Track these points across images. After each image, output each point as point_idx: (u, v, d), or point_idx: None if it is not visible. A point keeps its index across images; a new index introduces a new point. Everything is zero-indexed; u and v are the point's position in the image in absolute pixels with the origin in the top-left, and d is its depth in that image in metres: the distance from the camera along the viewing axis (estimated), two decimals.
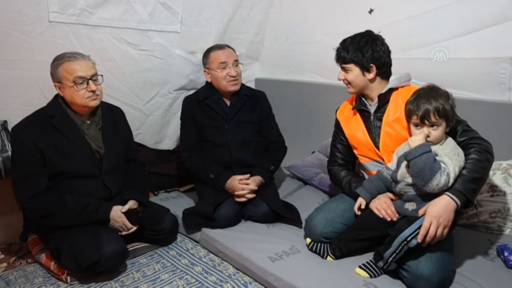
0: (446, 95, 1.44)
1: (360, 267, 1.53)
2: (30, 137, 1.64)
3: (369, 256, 1.58)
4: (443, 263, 1.40)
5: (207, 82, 2.26)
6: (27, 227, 2.01)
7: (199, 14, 2.48)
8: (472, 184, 1.37)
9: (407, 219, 1.45)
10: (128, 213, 1.78)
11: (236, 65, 2.16)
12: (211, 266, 1.79)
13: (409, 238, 1.37)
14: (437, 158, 1.38)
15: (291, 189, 2.39)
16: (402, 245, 1.38)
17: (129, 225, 1.78)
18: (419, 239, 1.36)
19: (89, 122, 1.77)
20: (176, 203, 2.28)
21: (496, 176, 1.87)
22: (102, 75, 1.76)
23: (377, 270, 1.50)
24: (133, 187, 1.88)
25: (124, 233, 1.79)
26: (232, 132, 2.16)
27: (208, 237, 1.90)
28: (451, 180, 1.37)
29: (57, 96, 1.74)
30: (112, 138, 1.84)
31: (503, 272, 1.51)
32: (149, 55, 2.34)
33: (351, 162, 1.87)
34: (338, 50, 1.69)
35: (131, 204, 1.81)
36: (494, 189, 1.87)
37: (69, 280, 1.69)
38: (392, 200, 1.58)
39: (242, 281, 1.66)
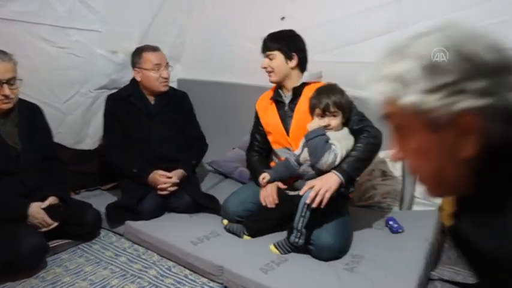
0: (341, 91, 1.71)
1: (274, 245, 1.72)
2: None
3: (284, 234, 1.76)
4: (340, 233, 1.66)
5: (131, 81, 2.31)
6: None
7: (120, 14, 2.50)
8: (356, 164, 1.65)
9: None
10: (48, 209, 1.77)
11: (167, 68, 2.25)
12: (136, 256, 1.86)
13: (307, 200, 1.59)
14: (329, 141, 1.64)
15: (213, 182, 2.53)
16: (305, 207, 1.60)
17: (50, 221, 1.78)
18: (308, 199, 1.57)
19: (3, 119, 1.73)
20: (99, 200, 2.27)
21: (386, 163, 2.21)
22: (21, 79, 1.72)
23: (288, 248, 1.70)
24: (53, 183, 1.88)
25: (44, 229, 1.78)
26: (156, 129, 2.24)
27: (132, 229, 1.96)
28: (338, 159, 1.63)
29: None
30: (29, 134, 1.82)
31: (389, 236, 1.84)
32: (68, 53, 2.30)
33: (266, 150, 2.07)
34: (265, 41, 1.88)
35: (51, 200, 1.81)
36: (385, 174, 2.21)
37: None
38: (283, 186, 1.85)
39: (166, 266, 1.76)
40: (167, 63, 2.25)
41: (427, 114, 0.56)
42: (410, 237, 1.79)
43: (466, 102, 0.53)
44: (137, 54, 2.24)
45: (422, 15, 2.00)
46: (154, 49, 2.24)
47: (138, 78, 2.24)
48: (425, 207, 2.22)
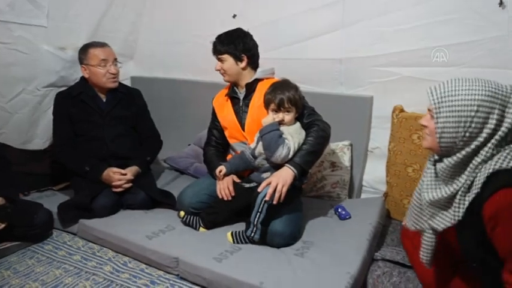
0: (295, 88, 1.79)
1: (231, 233, 1.77)
2: None
3: (240, 226, 1.82)
4: (292, 221, 1.75)
5: (81, 78, 2.27)
6: None
7: (67, 9, 2.43)
8: (307, 157, 1.73)
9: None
10: None
11: (116, 64, 2.22)
12: (91, 253, 1.84)
13: (267, 197, 1.65)
14: (283, 135, 1.72)
15: (169, 179, 2.53)
16: (262, 202, 1.66)
17: None
18: (267, 196, 1.64)
19: None
20: (50, 200, 2.21)
21: (335, 155, 2.33)
22: None
23: (243, 240, 1.75)
24: None
25: None
26: (108, 127, 2.22)
27: (86, 227, 1.94)
28: (291, 153, 1.71)
29: None
30: None
31: (337, 223, 1.95)
32: (11, 49, 2.21)
33: (223, 145, 2.12)
34: (214, 44, 1.94)
35: None
36: (334, 165, 2.33)
37: None
38: (237, 180, 1.89)
39: (122, 261, 1.76)
40: (115, 58, 2.23)
41: None
42: (356, 222, 1.92)
43: None
44: (83, 51, 2.21)
45: (365, 15, 2.14)
46: (101, 45, 2.22)
47: (86, 75, 2.21)
48: (372, 195, 2.37)
